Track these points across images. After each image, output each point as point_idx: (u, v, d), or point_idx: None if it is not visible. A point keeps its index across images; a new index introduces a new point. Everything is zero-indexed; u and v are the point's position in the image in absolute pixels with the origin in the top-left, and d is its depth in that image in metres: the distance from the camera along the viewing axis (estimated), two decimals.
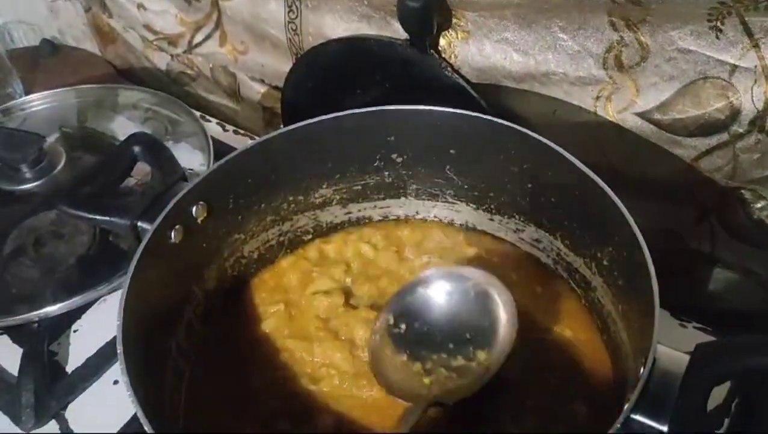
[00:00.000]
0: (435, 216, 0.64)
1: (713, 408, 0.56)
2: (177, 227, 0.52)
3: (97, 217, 0.52)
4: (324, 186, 0.62)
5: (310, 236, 0.64)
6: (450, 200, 0.63)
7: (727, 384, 0.57)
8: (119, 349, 0.44)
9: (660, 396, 0.39)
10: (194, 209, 0.54)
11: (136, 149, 0.55)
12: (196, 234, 0.55)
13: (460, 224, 0.64)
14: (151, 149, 0.54)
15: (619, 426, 0.38)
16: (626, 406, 0.39)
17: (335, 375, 0.52)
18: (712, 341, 0.41)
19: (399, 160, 0.61)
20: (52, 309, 0.63)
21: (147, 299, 0.50)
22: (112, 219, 0.52)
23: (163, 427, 0.48)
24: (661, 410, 0.39)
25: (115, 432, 0.58)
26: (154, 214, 0.51)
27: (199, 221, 0.55)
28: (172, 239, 0.52)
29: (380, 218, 0.65)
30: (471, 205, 0.62)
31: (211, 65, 0.90)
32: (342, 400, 0.51)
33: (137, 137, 0.55)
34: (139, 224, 0.52)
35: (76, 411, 0.61)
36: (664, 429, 0.38)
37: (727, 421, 0.56)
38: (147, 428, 0.41)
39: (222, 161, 0.55)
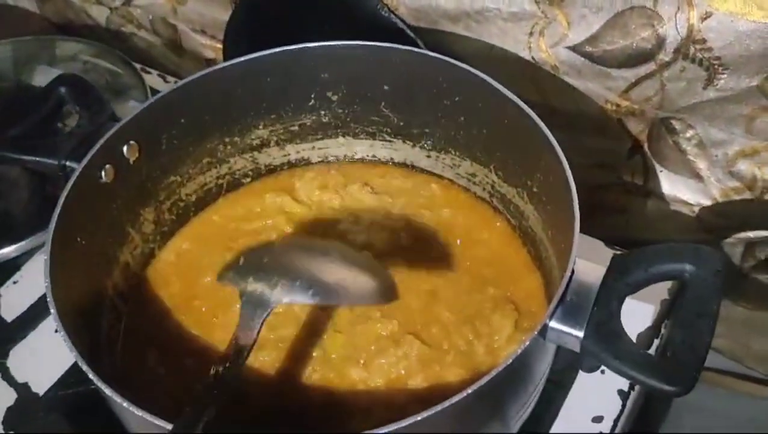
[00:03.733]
0: (373, 155, 0.64)
1: (643, 329, 0.59)
2: (107, 166, 0.52)
3: (24, 157, 0.51)
4: (260, 127, 0.61)
5: (248, 179, 0.64)
6: (387, 138, 0.63)
7: (658, 307, 0.60)
8: (47, 286, 0.44)
9: (577, 304, 0.41)
10: (125, 148, 0.53)
11: (63, 89, 0.54)
12: (129, 175, 0.54)
13: (398, 162, 0.64)
14: (78, 90, 0.54)
15: (536, 333, 0.39)
16: (545, 314, 0.40)
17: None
18: (627, 252, 0.42)
19: (334, 98, 0.61)
20: None
21: (77, 239, 0.50)
22: (39, 159, 0.51)
23: (101, 369, 0.48)
24: (578, 317, 0.40)
25: (58, 377, 0.58)
26: (82, 153, 0.50)
27: (131, 161, 0.54)
28: (103, 179, 0.52)
29: (319, 159, 0.65)
30: (408, 142, 0.62)
31: (150, 17, 0.88)
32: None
33: (63, 78, 0.54)
34: (68, 163, 0.51)
35: (17, 359, 0.60)
36: (580, 334, 0.40)
37: (656, 342, 0.58)
38: (87, 370, 0.41)
39: (152, 99, 0.54)
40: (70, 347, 0.42)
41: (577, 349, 0.40)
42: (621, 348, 0.38)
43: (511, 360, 0.38)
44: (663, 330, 0.58)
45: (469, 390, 0.36)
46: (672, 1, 0.54)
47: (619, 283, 0.40)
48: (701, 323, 0.38)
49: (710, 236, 0.67)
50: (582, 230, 0.44)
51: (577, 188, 0.46)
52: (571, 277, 0.41)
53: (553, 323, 0.40)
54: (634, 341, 0.57)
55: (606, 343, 0.38)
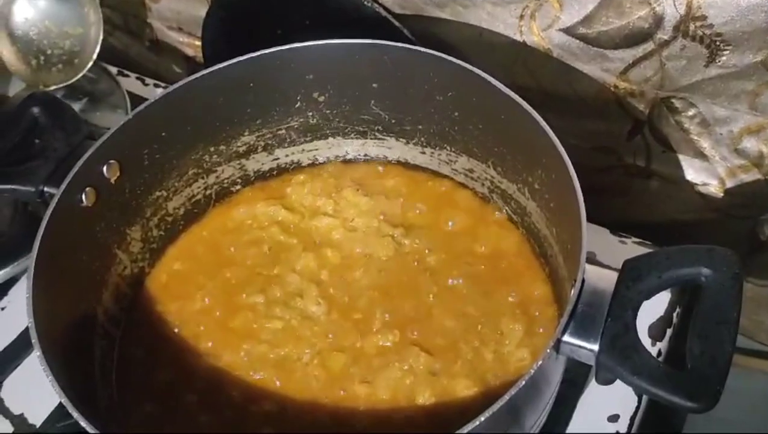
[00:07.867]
0: (365, 154, 0.62)
1: (655, 320, 0.57)
2: (87, 189, 0.50)
3: None
4: (246, 133, 0.59)
5: (238, 187, 0.61)
6: (379, 136, 0.60)
7: (668, 297, 0.58)
8: (30, 323, 0.42)
9: (590, 316, 0.39)
10: (104, 169, 0.51)
11: (36, 110, 0.51)
12: (111, 195, 0.52)
13: (392, 161, 0.61)
14: (51, 109, 0.51)
15: (548, 349, 0.37)
16: (557, 329, 0.38)
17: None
18: (639, 256, 0.40)
19: (321, 99, 0.58)
20: None
21: (62, 268, 0.48)
22: (15, 187, 0.48)
23: (92, 404, 0.46)
24: (592, 330, 0.38)
25: (55, 406, 0.56)
26: (59, 178, 0.48)
27: (112, 181, 0.52)
28: (84, 203, 0.50)
29: (309, 161, 0.63)
30: (401, 139, 0.60)
31: (124, 17, 0.85)
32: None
33: (35, 97, 0.51)
34: (46, 189, 0.49)
35: (11, 389, 0.58)
36: (595, 348, 0.38)
37: (669, 331, 0.57)
38: (72, 412, 0.39)
39: (130, 115, 0.52)
40: (57, 390, 0.40)
41: (592, 363, 0.38)
42: (638, 362, 0.36)
43: (524, 382, 0.36)
44: (675, 319, 0.57)
45: (482, 418, 0.35)
46: None
47: (632, 291, 0.38)
48: (721, 332, 0.36)
49: (716, 214, 0.65)
50: None
51: (577, 172, 0.44)
52: (581, 287, 0.39)
53: (566, 338, 0.38)
54: (647, 333, 0.55)
55: (622, 358, 0.36)
